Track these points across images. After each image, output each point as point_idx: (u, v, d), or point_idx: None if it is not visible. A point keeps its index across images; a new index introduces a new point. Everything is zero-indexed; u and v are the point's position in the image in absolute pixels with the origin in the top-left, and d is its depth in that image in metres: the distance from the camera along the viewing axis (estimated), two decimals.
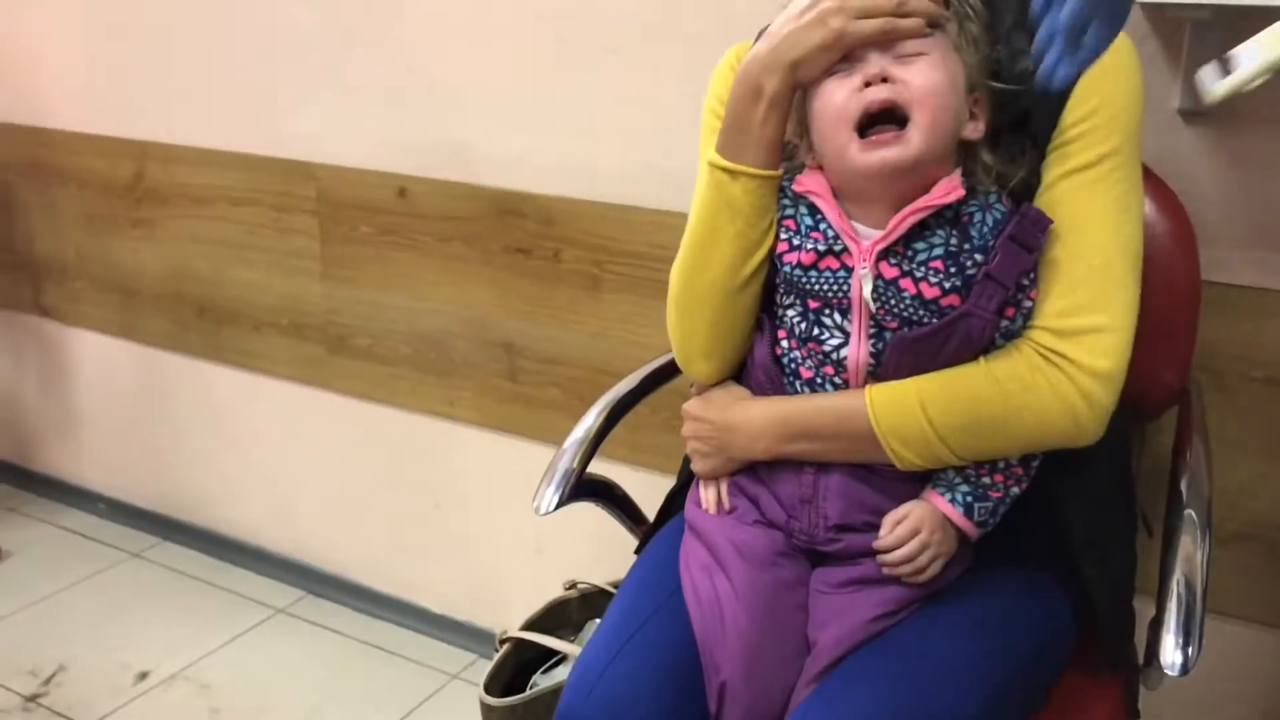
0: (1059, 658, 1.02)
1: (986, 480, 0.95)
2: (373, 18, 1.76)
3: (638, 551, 1.19)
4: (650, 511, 1.26)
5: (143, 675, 1.89)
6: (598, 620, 1.48)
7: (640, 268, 1.60)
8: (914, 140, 0.88)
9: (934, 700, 0.88)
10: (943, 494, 0.94)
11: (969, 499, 0.94)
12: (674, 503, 1.18)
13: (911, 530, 0.93)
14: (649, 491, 1.30)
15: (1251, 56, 0.79)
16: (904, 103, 0.88)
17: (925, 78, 0.88)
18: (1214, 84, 0.80)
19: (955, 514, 0.94)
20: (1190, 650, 0.92)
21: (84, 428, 2.43)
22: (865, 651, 0.92)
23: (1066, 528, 1.00)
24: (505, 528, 1.87)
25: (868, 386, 0.94)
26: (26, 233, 2.34)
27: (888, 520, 0.94)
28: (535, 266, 1.70)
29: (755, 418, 0.99)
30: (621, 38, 1.56)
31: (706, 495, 1.04)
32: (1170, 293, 1.09)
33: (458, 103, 1.72)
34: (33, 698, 1.84)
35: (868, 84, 0.88)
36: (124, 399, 2.33)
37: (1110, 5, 0.81)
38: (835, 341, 0.94)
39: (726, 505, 1.02)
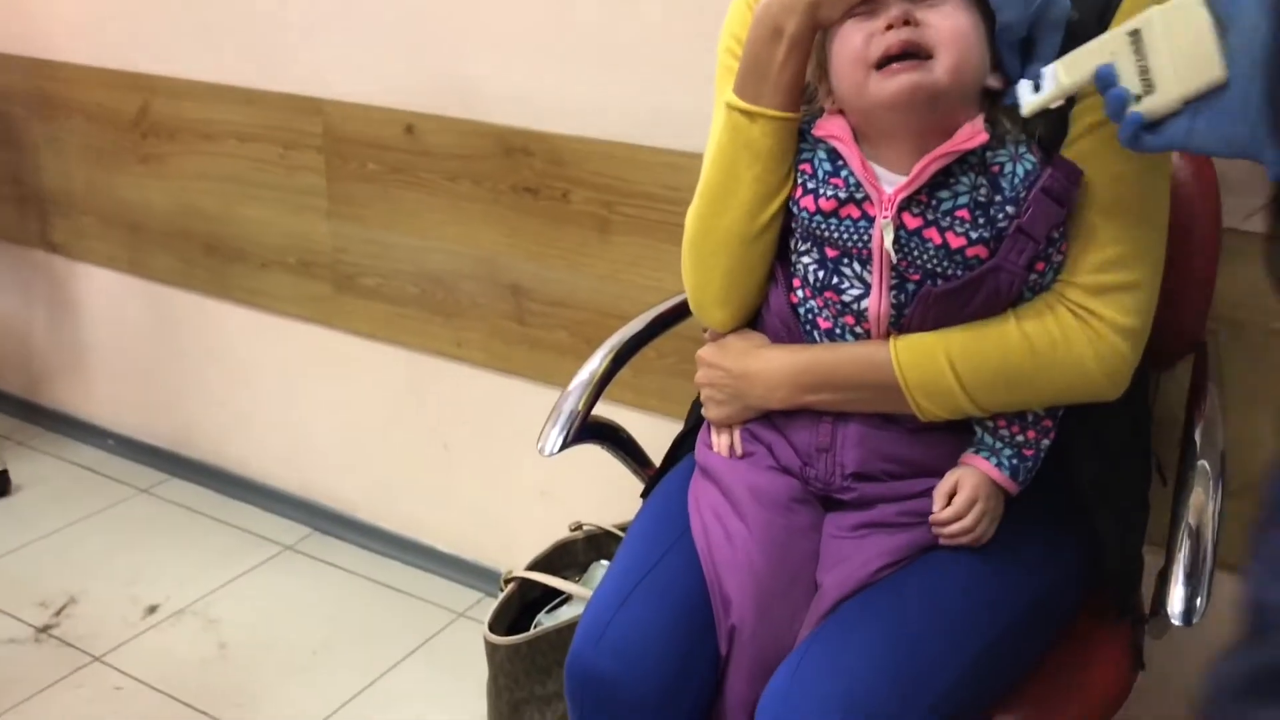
0: (1066, 606, 1.02)
1: (1021, 439, 0.94)
2: None
3: (644, 495, 1.18)
4: (655, 455, 1.26)
5: (152, 609, 1.91)
6: (604, 561, 1.49)
7: (651, 209, 1.58)
8: (936, 70, 0.85)
9: (928, 647, 0.89)
10: (988, 459, 0.94)
11: (1013, 461, 0.94)
12: (681, 446, 1.17)
13: (969, 501, 0.93)
14: (654, 435, 1.29)
15: (1051, 80, 0.84)
16: (927, 44, 0.85)
17: (950, 19, 0.86)
18: (1026, 97, 0.85)
19: (1003, 478, 0.94)
20: (1197, 601, 0.91)
21: (92, 363, 2.43)
22: (867, 595, 0.92)
23: (1078, 476, 0.99)
24: (512, 469, 1.87)
25: (891, 338, 0.93)
26: (34, 166, 2.32)
27: (940, 494, 0.93)
28: (544, 207, 1.68)
29: (774, 366, 0.98)
30: None
31: (719, 441, 1.03)
32: (1191, 240, 1.07)
33: (467, 38, 1.69)
34: (44, 629, 1.86)
35: (889, 27, 0.86)
36: (132, 335, 2.33)
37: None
38: (855, 292, 0.93)
39: (739, 451, 1.01)
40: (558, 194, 1.66)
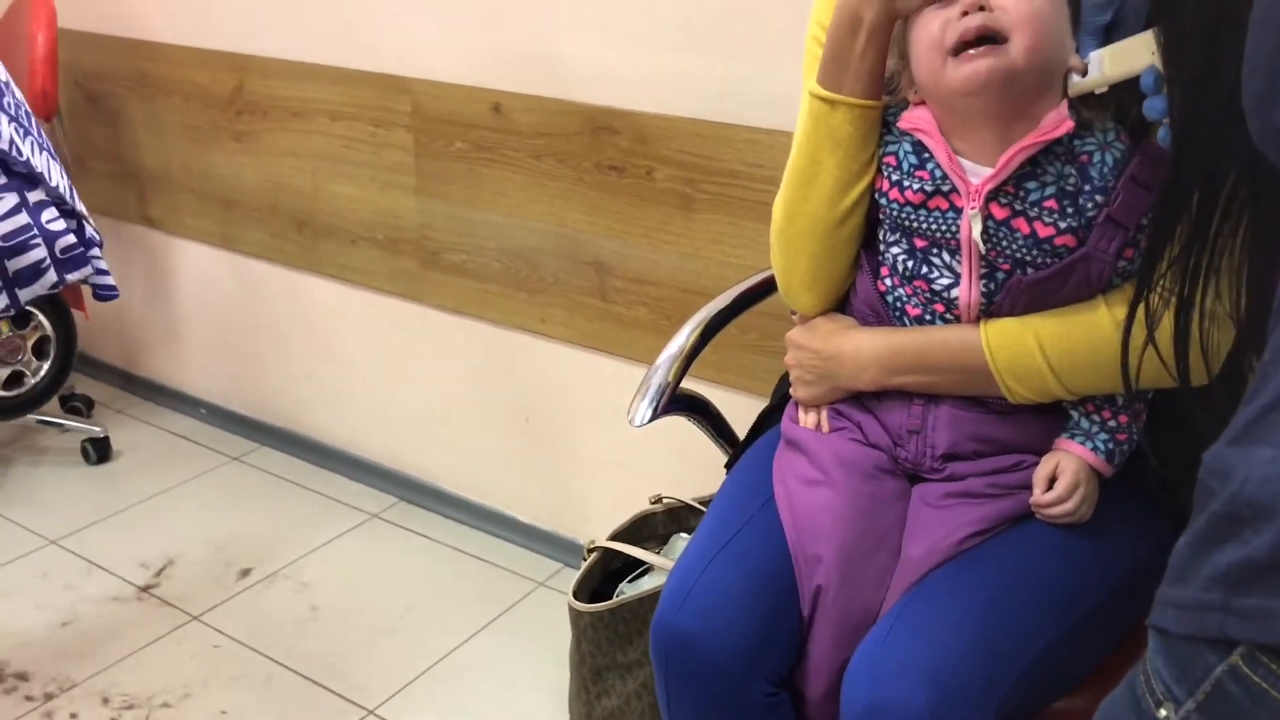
0: (1153, 587, 1.01)
1: (1114, 424, 0.95)
2: None
3: (728, 466, 1.21)
4: (739, 430, 1.28)
5: (245, 572, 1.98)
6: (683, 534, 1.52)
7: (734, 187, 1.60)
8: (1012, 52, 0.85)
9: (1019, 622, 0.90)
10: (1083, 443, 0.95)
11: (1108, 445, 0.95)
12: (766, 421, 1.19)
13: (1071, 486, 0.94)
14: (734, 411, 1.31)
15: (1096, 67, 0.85)
16: (1002, 27, 0.85)
17: (1026, 2, 0.85)
18: (1072, 80, 0.87)
19: (1099, 461, 0.95)
20: None
21: (185, 334, 2.52)
22: (954, 566, 0.94)
23: (1165, 456, 0.99)
24: (592, 442, 1.91)
25: (982, 322, 0.94)
26: (133, 144, 2.41)
27: (1040, 478, 0.95)
28: (628, 184, 1.71)
29: (864, 347, 0.99)
30: None
31: (806, 419, 1.05)
32: None
33: (553, 17, 1.71)
34: (146, 588, 1.94)
35: (965, 13, 0.86)
36: (224, 308, 2.41)
37: None
38: (945, 281, 0.94)
39: (826, 429, 1.03)
40: (642, 171, 1.68)
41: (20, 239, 1.79)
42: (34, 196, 1.80)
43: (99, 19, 2.33)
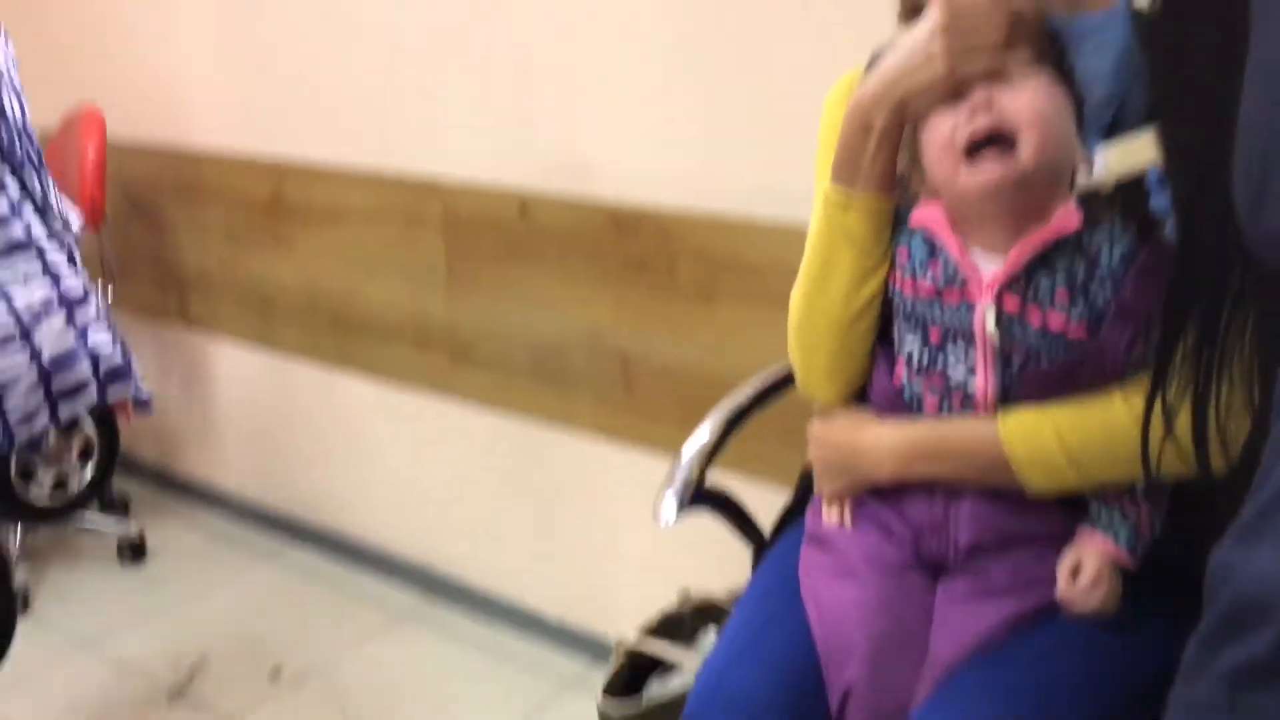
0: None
1: (1133, 516, 0.94)
2: (499, 41, 1.82)
3: (754, 563, 1.20)
4: (763, 524, 1.27)
5: (276, 671, 1.98)
6: (712, 630, 1.50)
7: (755, 280, 1.61)
8: (1022, 156, 0.87)
9: (1047, 717, 0.87)
10: (1105, 534, 0.94)
11: (1131, 537, 0.94)
12: (790, 516, 1.19)
13: (1094, 579, 0.93)
14: (760, 503, 1.31)
15: (1101, 165, 0.87)
16: (1010, 127, 0.87)
17: (1032, 100, 0.87)
18: (1079, 178, 0.88)
19: (1121, 554, 0.94)
20: None
21: (221, 433, 2.56)
22: (981, 661, 0.92)
23: (1194, 550, 0.97)
24: (619, 537, 1.90)
25: (999, 414, 0.94)
26: (175, 247, 2.48)
27: (1063, 570, 0.94)
28: (651, 279, 1.73)
29: (882, 440, 0.99)
30: (737, 55, 1.57)
31: (829, 513, 1.05)
32: None
33: (579, 120, 1.76)
34: (177, 691, 1.94)
35: (973, 113, 0.88)
36: (259, 405, 2.45)
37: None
38: (961, 373, 0.95)
39: (848, 524, 1.03)
40: (664, 266, 1.71)
41: (67, 359, 1.78)
42: (81, 317, 1.82)
43: (147, 131, 2.43)
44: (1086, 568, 0.93)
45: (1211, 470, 0.83)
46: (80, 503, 2.27)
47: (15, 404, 1.76)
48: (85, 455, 2.27)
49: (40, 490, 2.20)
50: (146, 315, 2.60)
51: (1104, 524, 0.95)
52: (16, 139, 1.94)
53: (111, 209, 2.47)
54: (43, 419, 1.81)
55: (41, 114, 2.61)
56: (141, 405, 1.96)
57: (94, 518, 2.41)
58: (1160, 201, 0.84)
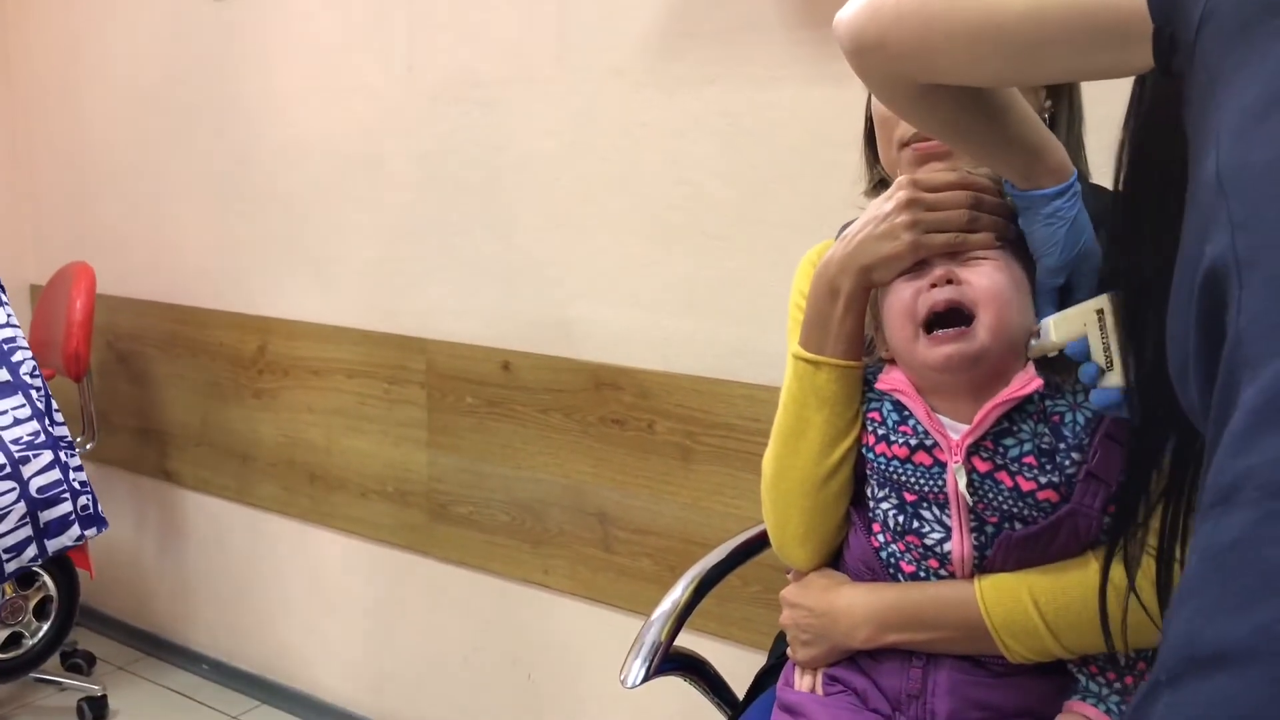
0: None
1: (1118, 685, 0.93)
2: (489, 206, 1.89)
3: None
4: (739, 687, 1.25)
5: None
6: None
7: (731, 439, 1.63)
8: (979, 335, 0.90)
9: None
10: (1095, 705, 0.93)
11: (1121, 707, 0.92)
12: (764, 681, 1.17)
13: None
14: (738, 667, 1.29)
15: (1045, 334, 0.89)
16: (969, 302, 0.90)
17: (990, 279, 0.91)
18: (1030, 344, 0.92)
19: None
20: None
21: (195, 588, 2.51)
22: None
23: None
24: (597, 700, 1.86)
25: (976, 578, 0.94)
26: (158, 401, 2.50)
27: None
28: (630, 437, 1.75)
29: (857, 604, 0.99)
30: (717, 225, 1.64)
31: (801, 682, 1.03)
32: None
33: (563, 283, 1.81)
34: None
35: (934, 285, 0.92)
36: (235, 561, 2.41)
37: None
38: (937, 535, 0.95)
39: (819, 692, 1.01)
40: (643, 425, 1.73)
41: (53, 493, 1.87)
42: (65, 455, 1.89)
43: (136, 284, 2.48)
44: None
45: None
46: (34, 661, 2.22)
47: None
48: (42, 613, 2.22)
49: None
50: (125, 467, 2.59)
51: (1093, 695, 0.93)
52: None
53: (96, 361, 2.49)
54: (30, 552, 1.86)
55: (34, 272, 2.68)
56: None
57: (56, 674, 2.34)
58: (1089, 371, 0.87)
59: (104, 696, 2.30)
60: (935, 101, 0.84)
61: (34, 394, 1.91)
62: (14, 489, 1.81)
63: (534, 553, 1.90)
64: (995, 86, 0.85)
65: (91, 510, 1.91)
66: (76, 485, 1.89)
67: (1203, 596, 0.44)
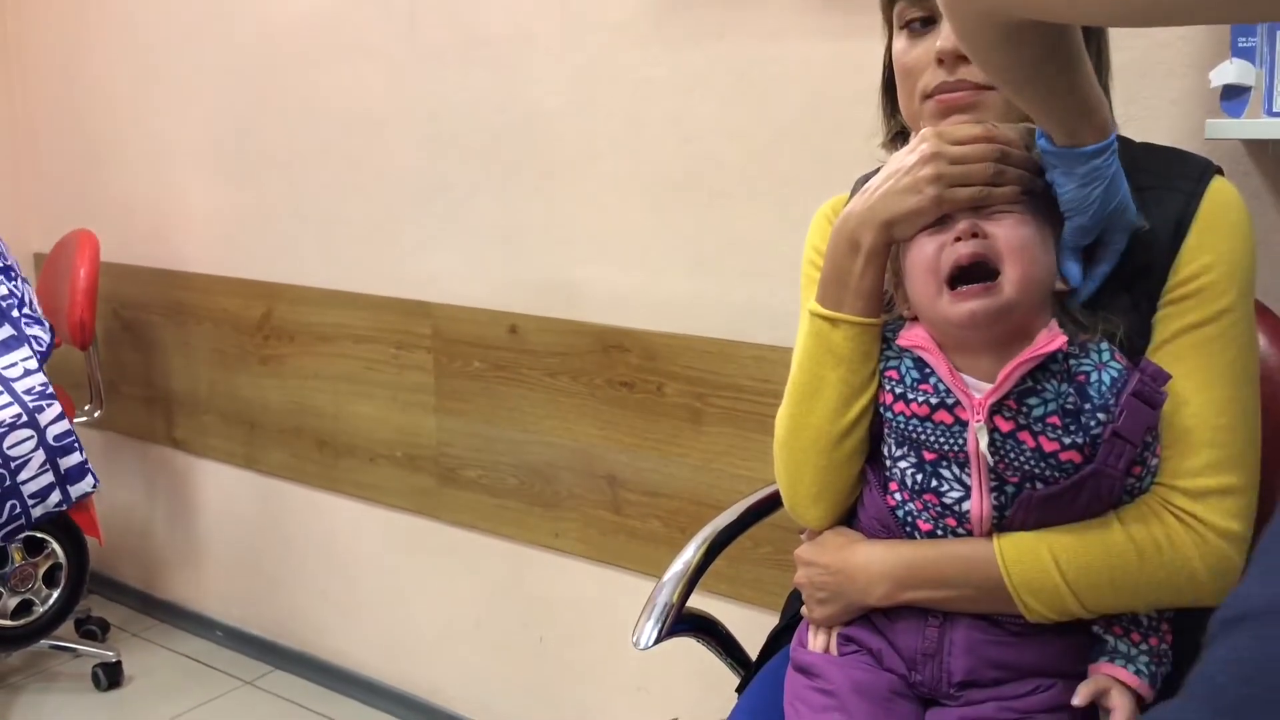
0: None
1: (1145, 646, 0.92)
2: (493, 167, 1.87)
3: (739, 690, 1.17)
4: (751, 647, 1.25)
5: None
6: None
7: (741, 401, 1.62)
8: (1005, 290, 0.88)
9: None
10: (1125, 666, 0.91)
11: (1151, 668, 0.91)
12: (777, 641, 1.17)
13: (1129, 716, 0.90)
14: (750, 627, 1.28)
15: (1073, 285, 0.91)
16: (994, 256, 0.88)
17: (1016, 233, 0.89)
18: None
19: (1144, 686, 0.91)
20: None
21: (205, 555, 2.52)
22: None
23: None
24: (608, 662, 1.86)
25: (995, 536, 0.93)
26: (164, 369, 2.49)
27: (1081, 700, 0.90)
28: (638, 400, 1.74)
29: (874, 561, 0.97)
30: (724, 183, 1.62)
31: (815, 641, 1.02)
32: None
33: (569, 244, 1.79)
34: None
35: (958, 239, 0.90)
36: (243, 527, 2.42)
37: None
38: (956, 494, 0.94)
39: (834, 652, 1.00)
40: (652, 387, 1.72)
41: (67, 441, 1.98)
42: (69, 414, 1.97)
43: (141, 252, 2.47)
44: (1117, 711, 0.89)
45: None
46: (46, 627, 2.23)
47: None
48: (52, 580, 2.24)
49: (3, 614, 2.17)
50: (134, 435, 2.59)
51: (1122, 655, 0.92)
52: None
53: (102, 330, 2.49)
54: (55, 496, 1.94)
55: (38, 240, 2.67)
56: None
57: (70, 640, 2.35)
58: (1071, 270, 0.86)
59: (119, 662, 2.32)
60: (1021, 43, 0.79)
61: (33, 344, 1.99)
62: (32, 436, 1.89)
63: (544, 516, 1.89)
64: (1103, 25, 0.80)
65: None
66: (77, 442, 1.96)
67: None
